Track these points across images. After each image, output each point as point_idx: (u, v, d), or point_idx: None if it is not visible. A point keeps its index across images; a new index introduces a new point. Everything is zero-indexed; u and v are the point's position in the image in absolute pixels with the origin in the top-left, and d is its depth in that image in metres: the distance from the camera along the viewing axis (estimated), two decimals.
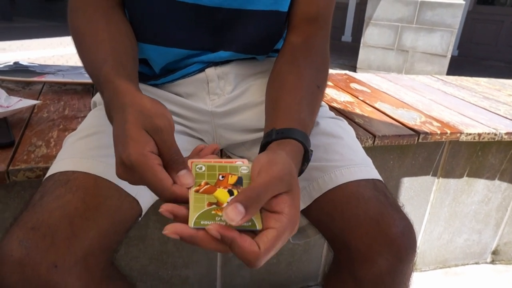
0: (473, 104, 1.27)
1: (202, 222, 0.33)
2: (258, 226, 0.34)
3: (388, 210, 0.49)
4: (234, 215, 0.31)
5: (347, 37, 7.76)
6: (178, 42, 0.58)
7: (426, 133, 0.95)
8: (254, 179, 0.36)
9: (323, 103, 0.69)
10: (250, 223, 0.34)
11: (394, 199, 0.52)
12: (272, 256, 0.33)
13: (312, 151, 0.47)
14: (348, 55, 5.80)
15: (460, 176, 1.15)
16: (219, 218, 0.34)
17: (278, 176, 0.34)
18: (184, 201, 0.35)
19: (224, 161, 0.40)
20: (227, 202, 0.35)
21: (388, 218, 0.48)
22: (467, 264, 1.32)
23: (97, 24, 0.50)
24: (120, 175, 0.36)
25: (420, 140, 0.95)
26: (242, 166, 0.39)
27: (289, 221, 0.33)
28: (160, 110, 0.37)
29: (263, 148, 0.46)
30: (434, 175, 1.12)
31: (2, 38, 5.38)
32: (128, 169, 0.35)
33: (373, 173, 0.55)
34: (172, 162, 0.36)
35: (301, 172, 0.47)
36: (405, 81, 1.52)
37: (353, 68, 5.24)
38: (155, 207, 0.58)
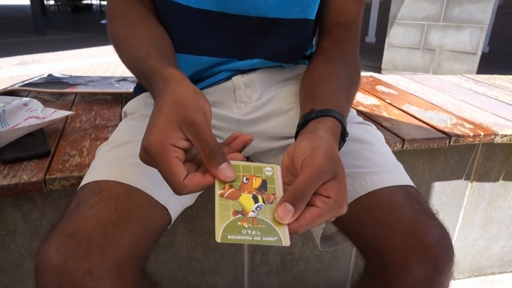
0: (508, 103, 1.22)
1: (229, 237, 0.33)
2: (285, 243, 0.33)
3: (423, 217, 0.47)
4: (284, 214, 0.33)
5: (370, 37, 7.63)
6: (206, 50, 0.59)
7: (457, 136, 0.92)
8: (297, 170, 0.37)
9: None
10: (276, 238, 0.33)
11: (428, 206, 0.51)
12: (312, 227, 0.35)
13: (348, 133, 0.48)
14: (372, 56, 5.70)
15: (496, 179, 1.10)
16: (245, 231, 0.33)
17: (320, 169, 0.35)
18: (198, 191, 0.35)
19: (252, 163, 0.39)
20: (252, 211, 0.35)
21: (423, 226, 0.46)
22: (505, 272, 1.25)
23: (137, 26, 0.53)
24: (141, 159, 0.37)
25: (451, 143, 0.92)
26: (266, 167, 0.39)
27: (335, 204, 0.35)
28: (199, 103, 0.37)
29: (301, 127, 0.47)
30: (467, 179, 1.08)
31: (36, 51, 5.66)
32: (148, 155, 0.36)
33: (405, 179, 0.53)
34: (212, 155, 0.35)
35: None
36: (433, 81, 1.48)
37: (378, 69, 5.14)
38: (183, 214, 0.58)
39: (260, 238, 0.33)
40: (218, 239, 0.33)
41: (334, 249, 1.03)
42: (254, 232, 0.34)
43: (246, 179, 0.38)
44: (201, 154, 0.36)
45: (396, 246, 0.46)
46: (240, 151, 0.41)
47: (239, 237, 0.33)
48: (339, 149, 0.48)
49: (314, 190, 0.35)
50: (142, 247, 0.48)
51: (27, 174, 0.66)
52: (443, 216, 1.12)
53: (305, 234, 1.00)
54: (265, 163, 0.68)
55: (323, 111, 0.46)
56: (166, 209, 0.52)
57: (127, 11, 0.55)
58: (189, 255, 0.91)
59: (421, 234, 0.46)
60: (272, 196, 0.37)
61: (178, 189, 0.35)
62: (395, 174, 0.53)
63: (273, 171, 0.39)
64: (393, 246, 0.47)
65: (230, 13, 0.56)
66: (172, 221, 0.55)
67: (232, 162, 0.38)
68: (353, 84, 0.56)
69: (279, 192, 0.37)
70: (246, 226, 0.34)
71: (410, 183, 0.54)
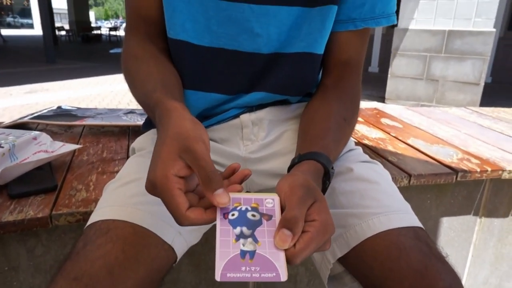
0: None
1: (228, 275, 0.34)
2: (283, 278, 0.34)
3: (433, 262, 0.46)
4: (283, 239, 0.35)
5: (373, 67, 7.77)
6: (217, 87, 0.61)
7: (464, 171, 0.91)
8: (282, 205, 0.39)
9: (354, 145, 0.69)
10: (274, 274, 0.34)
11: (437, 249, 0.50)
12: (308, 255, 0.36)
13: (333, 169, 0.50)
14: (375, 86, 5.77)
15: (505, 215, 1.08)
16: (244, 268, 0.34)
17: (300, 197, 0.38)
18: (199, 224, 0.37)
19: (253, 195, 0.40)
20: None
21: (433, 271, 0.45)
22: None
23: (147, 63, 0.56)
24: (147, 191, 0.39)
25: (458, 179, 0.91)
26: (267, 199, 0.40)
27: (321, 225, 0.37)
28: (198, 132, 0.40)
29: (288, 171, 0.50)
30: (476, 214, 1.06)
31: (46, 80, 5.81)
32: (153, 187, 0.38)
33: (413, 220, 0.53)
34: (208, 181, 0.36)
35: (324, 190, 0.50)
36: (438, 114, 1.49)
37: (382, 99, 5.19)
38: (187, 250, 0.58)
39: (258, 275, 0.34)
40: (218, 277, 0.34)
41: None
42: (253, 269, 0.34)
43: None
44: (199, 180, 0.37)
45: None
46: (239, 184, 0.42)
47: (238, 275, 0.34)
48: (326, 187, 0.50)
49: (304, 211, 0.37)
50: None
51: (33, 209, 0.66)
52: (452, 252, 1.09)
53: (311, 270, 0.98)
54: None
55: (305, 155, 0.49)
56: (172, 249, 0.51)
57: (139, 51, 0.59)
58: None
59: (431, 279, 0.45)
60: (272, 228, 0.38)
61: (180, 220, 0.36)
62: (403, 215, 0.52)
63: (273, 202, 0.40)
64: None
65: (242, 51, 0.58)
66: (178, 260, 0.54)
67: (233, 194, 0.39)
68: (347, 121, 0.58)
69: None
70: (245, 262, 0.35)
71: (419, 224, 0.53)
